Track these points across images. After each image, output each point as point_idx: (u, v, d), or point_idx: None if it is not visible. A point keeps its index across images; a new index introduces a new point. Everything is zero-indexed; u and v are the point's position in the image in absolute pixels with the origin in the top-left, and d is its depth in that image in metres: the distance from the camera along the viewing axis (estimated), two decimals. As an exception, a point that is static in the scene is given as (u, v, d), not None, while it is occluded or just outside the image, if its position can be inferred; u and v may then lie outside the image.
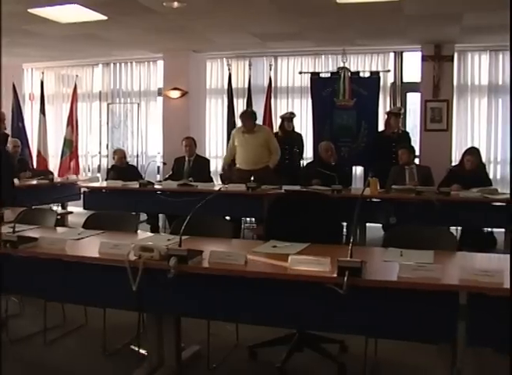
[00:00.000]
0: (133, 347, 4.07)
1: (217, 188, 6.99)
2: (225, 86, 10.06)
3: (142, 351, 3.93)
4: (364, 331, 3.08)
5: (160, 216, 8.32)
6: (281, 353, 3.74)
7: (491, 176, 8.69)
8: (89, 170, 11.50)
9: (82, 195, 7.62)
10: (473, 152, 7.28)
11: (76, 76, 11.03)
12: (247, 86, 9.84)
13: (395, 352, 3.87)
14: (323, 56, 9.87)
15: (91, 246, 3.56)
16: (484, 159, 8.65)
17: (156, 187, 7.42)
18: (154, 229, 8.08)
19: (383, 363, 3.86)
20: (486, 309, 2.73)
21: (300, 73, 9.66)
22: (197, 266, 3.07)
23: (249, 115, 7.85)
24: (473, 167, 7.15)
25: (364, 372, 3.67)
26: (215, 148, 10.45)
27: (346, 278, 2.67)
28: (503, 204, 6.27)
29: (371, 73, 9.12)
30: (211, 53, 10.16)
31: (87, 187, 7.71)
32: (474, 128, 9.48)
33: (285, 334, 3.92)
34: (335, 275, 2.75)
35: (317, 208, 4.04)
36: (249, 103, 9.70)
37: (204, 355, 3.91)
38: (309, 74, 9.30)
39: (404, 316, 2.82)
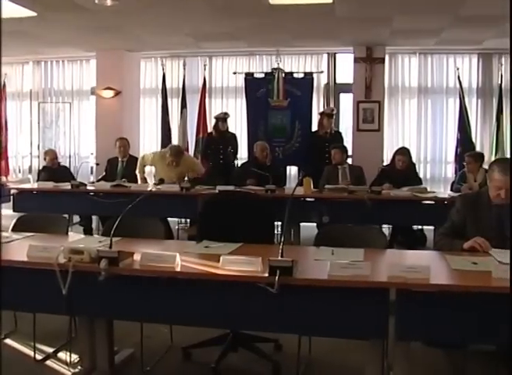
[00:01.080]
0: (64, 352, 3.98)
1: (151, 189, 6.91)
2: (160, 86, 9.98)
3: (74, 356, 3.85)
4: (296, 329, 3.12)
5: (94, 217, 8.17)
6: (215, 353, 3.73)
7: (421, 175, 8.94)
8: (19, 171, 11.18)
9: (11, 197, 7.39)
10: (403, 152, 7.47)
11: (5, 74, 10.69)
12: (181, 86, 9.79)
13: (328, 349, 3.95)
14: (257, 57, 9.92)
15: (20, 249, 3.44)
16: (414, 159, 8.91)
17: (89, 188, 7.27)
18: (88, 231, 7.92)
19: (317, 361, 3.90)
20: (414, 304, 2.81)
21: (235, 73, 9.68)
22: (128, 267, 3.03)
23: (180, 153, 7.65)
24: (404, 167, 7.35)
25: (298, 370, 3.70)
26: (149, 149, 10.34)
27: (277, 277, 2.70)
28: (432, 202, 6.46)
29: (305, 73, 9.23)
30: (145, 52, 10.05)
31: (17, 189, 7.47)
32: (404, 128, 9.74)
33: (219, 335, 3.91)
34: (266, 274, 2.77)
35: (250, 209, 4.05)
36: (183, 103, 9.66)
37: (138, 357, 3.87)
38: (243, 74, 9.32)
39: (336, 314, 2.88)
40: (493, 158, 8.28)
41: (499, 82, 9.29)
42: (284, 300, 2.82)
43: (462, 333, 2.86)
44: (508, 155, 8.93)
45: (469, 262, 3.12)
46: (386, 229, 7.81)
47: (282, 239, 2.93)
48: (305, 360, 3.81)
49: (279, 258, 2.80)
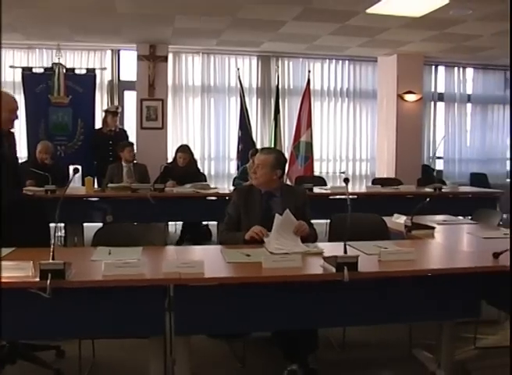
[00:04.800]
0: None
1: None
2: None
3: None
4: (74, 333, 3.03)
5: None
6: (-10, 368, 3.51)
7: (205, 171, 9.20)
8: None
9: None
10: (184, 149, 7.61)
11: None
12: (-51, 80, 8.99)
13: (112, 350, 3.92)
14: (37, 50, 9.41)
15: None
16: (198, 156, 9.13)
17: None
18: None
19: (101, 363, 3.83)
20: (191, 299, 2.88)
21: (11, 67, 9.09)
22: None
23: None
24: (185, 163, 7.49)
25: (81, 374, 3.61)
26: None
27: (48, 281, 2.59)
28: (215, 198, 6.66)
29: (88, 70, 8.95)
30: None
31: None
32: (188, 126, 9.89)
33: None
34: (37, 279, 2.65)
35: (23, 211, 3.86)
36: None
37: None
38: (21, 69, 8.81)
39: (114, 314, 2.84)
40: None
41: (277, 83, 9.84)
42: (59, 304, 2.72)
43: (240, 322, 3.00)
44: (286, 153, 9.53)
45: (243, 255, 3.28)
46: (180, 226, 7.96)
47: (53, 241, 2.82)
48: (89, 364, 3.73)
49: (51, 261, 2.70)
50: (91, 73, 8.87)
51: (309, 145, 9.66)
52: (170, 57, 9.38)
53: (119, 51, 9.63)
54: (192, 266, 2.83)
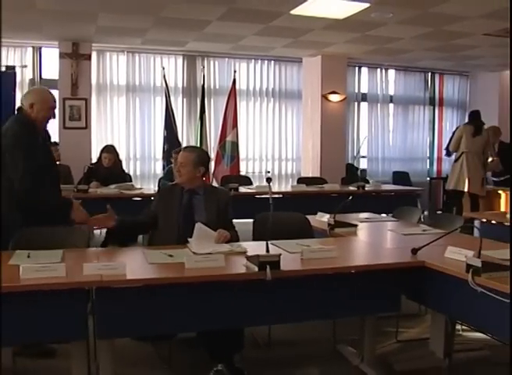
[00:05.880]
0: None
1: None
2: None
3: None
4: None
5: None
6: None
7: (131, 172, 9.08)
8: None
9: None
10: (109, 150, 7.46)
11: None
12: None
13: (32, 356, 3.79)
14: None
15: None
16: (124, 156, 9.00)
17: None
18: None
19: (21, 371, 3.70)
20: (114, 301, 2.83)
21: None
22: None
23: None
24: (110, 164, 7.34)
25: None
26: None
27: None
28: (140, 199, 6.58)
29: (7, 67, 8.66)
30: None
31: None
32: (113, 126, 9.74)
33: None
34: None
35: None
36: None
37: None
38: None
39: (32, 319, 2.74)
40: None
41: (202, 83, 9.83)
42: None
43: (165, 324, 2.97)
44: (212, 153, 9.55)
45: (165, 255, 3.25)
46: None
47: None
48: (9, 372, 3.60)
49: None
50: (11, 70, 8.57)
51: (235, 145, 9.70)
52: (94, 55, 9.21)
53: (40, 48, 9.36)
54: (114, 268, 2.80)
